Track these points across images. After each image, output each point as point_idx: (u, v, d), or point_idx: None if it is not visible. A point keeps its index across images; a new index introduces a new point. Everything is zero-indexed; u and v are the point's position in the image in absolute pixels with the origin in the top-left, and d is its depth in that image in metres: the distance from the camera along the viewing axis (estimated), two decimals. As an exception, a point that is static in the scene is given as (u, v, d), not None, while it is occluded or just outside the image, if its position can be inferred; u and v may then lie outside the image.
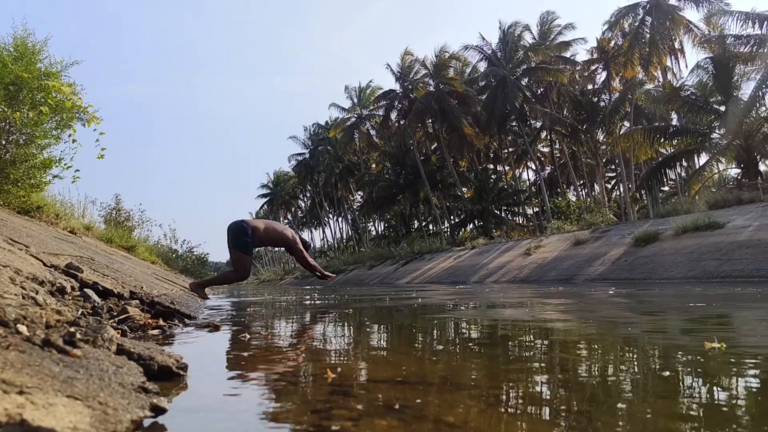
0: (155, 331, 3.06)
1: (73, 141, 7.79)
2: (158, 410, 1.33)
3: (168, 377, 1.77)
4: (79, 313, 2.59)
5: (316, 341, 3.16)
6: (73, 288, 3.18)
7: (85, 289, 3.27)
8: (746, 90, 23.38)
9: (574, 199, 44.10)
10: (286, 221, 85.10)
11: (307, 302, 8.53)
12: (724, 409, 1.49)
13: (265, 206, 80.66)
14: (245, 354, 2.52)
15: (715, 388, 1.74)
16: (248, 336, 3.09)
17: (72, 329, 1.75)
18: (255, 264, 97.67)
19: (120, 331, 2.60)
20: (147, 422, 1.26)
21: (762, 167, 27.43)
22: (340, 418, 1.34)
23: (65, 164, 7.91)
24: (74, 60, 7.99)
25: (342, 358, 2.46)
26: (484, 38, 40.78)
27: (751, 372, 1.95)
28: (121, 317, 2.98)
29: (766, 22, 21.24)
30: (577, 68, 40.98)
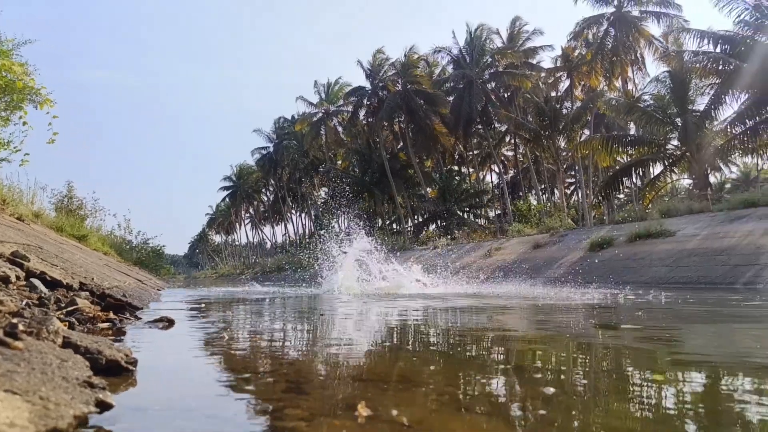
0: (105, 325, 2.96)
1: (24, 123, 7.47)
2: (104, 406, 1.28)
3: (117, 372, 1.72)
4: (24, 303, 2.48)
5: (267, 335, 3.13)
6: (18, 277, 3.05)
7: (32, 279, 3.14)
8: (701, 104, 24.38)
9: (535, 203, 45.03)
10: (248, 215, 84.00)
11: (265, 299, 8.42)
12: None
13: (227, 199, 79.30)
14: (199, 349, 2.47)
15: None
16: (203, 330, 3.03)
17: (15, 320, 1.68)
18: (214, 258, 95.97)
19: (67, 323, 2.51)
20: (93, 418, 1.22)
21: (712, 179, 28.65)
22: (293, 418, 1.33)
23: (15, 147, 7.59)
24: (27, 39, 7.67)
25: (295, 353, 2.44)
26: (455, 37, 41.15)
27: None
28: (69, 309, 2.87)
29: (720, 41, 22.14)
30: (542, 75, 41.82)
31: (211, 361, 2.25)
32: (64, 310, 2.82)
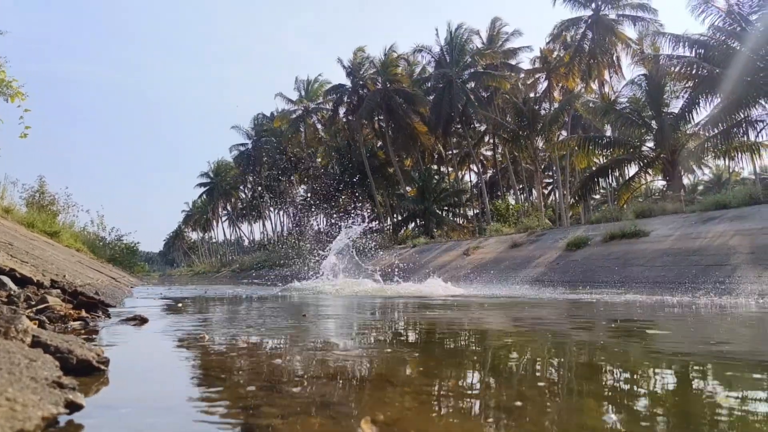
0: (77, 323, 2.90)
1: (-6, 117, 7.26)
2: (74, 406, 1.25)
3: (88, 372, 1.69)
4: (-8, 301, 2.41)
5: (243, 332, 3.09)
6: (-14, 274, 2.96)
7: (0, 276, 3.06)
8: (675, 107, 24.89)
9: (513, 202, 45.45)
10: (225, 212, 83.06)
11: (243, 295, 8.35)
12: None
13: (204, 196, 78.31)
14: (172, 347, 2.43)
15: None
16: (176, 328, 2.98)
17: (-19, 319, 1.63)
18: (190, 255, 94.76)
19: (37, 322, 2.45)
20: (63, 419, 1.19)
21: (685, 180, 29.26)
22: (269, 416, 1.31)
23: (-16, 141, 7.36)
24: (-2, 30, 7.45)
25: (271, 352, 2.41)
26: (438, 35, 41.23)
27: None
28: (39, 307, 2.80)
29: (695, 46, 22.62)
30: (521, 76, 42.21)
31: (185, 359, 2.22)
32: (34, 309, 2.75)
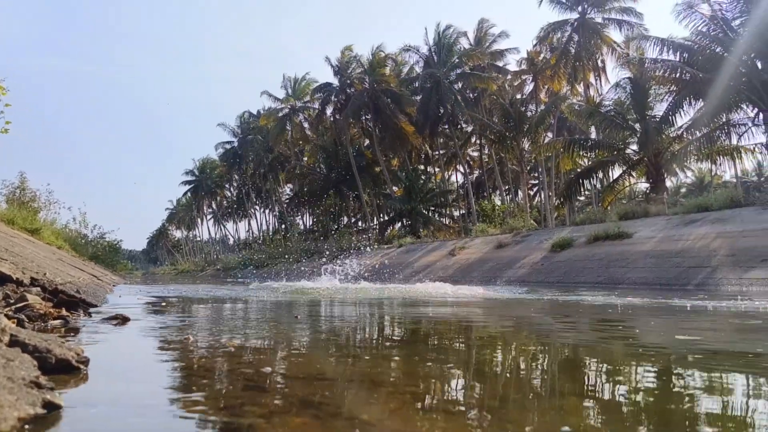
0: (57, 322, 2.85)
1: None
2: (52, 406, 1.23)
3: (67, 371, 1.66)
4: (-31, 299, 2.36)
5: (225, 332, 3.07)
6: (-37, 271, 2.90)
7: (-21, 274, 3.00)
8: (659, 111, 25.18)
9: (499, 203, 45.67)
10: (210, 211, 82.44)
11: (225, 294, 8.29)
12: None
13: (189, 194, 77.60)
14: (154, 346, 2.40)
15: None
16: (158, 327, 2.95)
17: (-43, 317, 1.59)
18: (174, 254, 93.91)
19: (16, 320, 2.40)
20: (40, 419, 1.17)
21: (668, 183, 29.66)
22: (252, 415, 1.30)
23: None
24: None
25: (254, 351, 2.39)
26: (427, 35, 41.22)
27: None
28: (18, 305, 2.75)
29: (679, 50, 22.89)
30: (508, 78, 42.42)
31: (167, 358, 2.19)
32: (13, 307, 2.70)
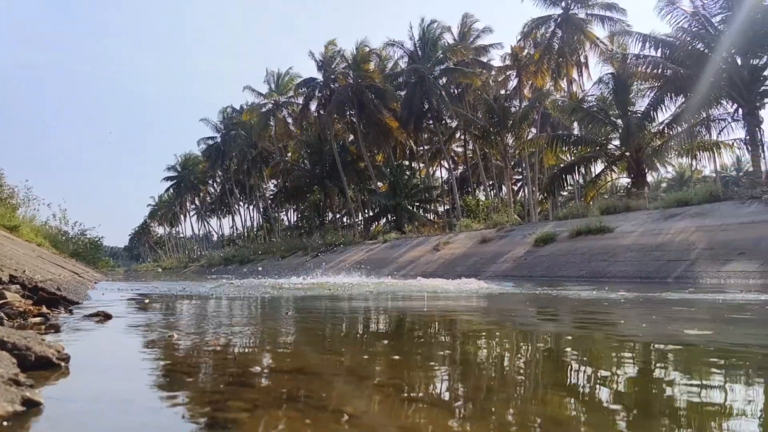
0: (37, 319, 2.82)
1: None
2: (32, 404, 1.22)
3: (48, 368, 1.64)
4: (-55, 296, 2.32)
5: (209, 328, 3.05)
6: (-61, 268, 2.84)
7: (-45, 271, 2.94)
8: (641, 106, 25.46)
9: (483, 198, 45.89)
10: (193, 207, 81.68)
11: (208, 291, 8.24)
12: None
13: (171, 190, 76.76)
14: (136, 343, 2.38)
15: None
16: (141, 324, 2.92)
17: (-68, 314, 1.56)
18: (156, 250, 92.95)
19: (-6, 317, 2.36)
20: (19, 417, 1.15)
21: (649, 178, 30.02)
22: (235, 410, 1.29)
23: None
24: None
25: (237, 346, 2.38)
26: (411, 29, 41.14)
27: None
28: (-4, 303, 2.71)
29: (661, 45, 23.16)
30: (492, 73, 42.55)
31: (149, 354, 2.18)
32: (-9, 304, 2.65)
